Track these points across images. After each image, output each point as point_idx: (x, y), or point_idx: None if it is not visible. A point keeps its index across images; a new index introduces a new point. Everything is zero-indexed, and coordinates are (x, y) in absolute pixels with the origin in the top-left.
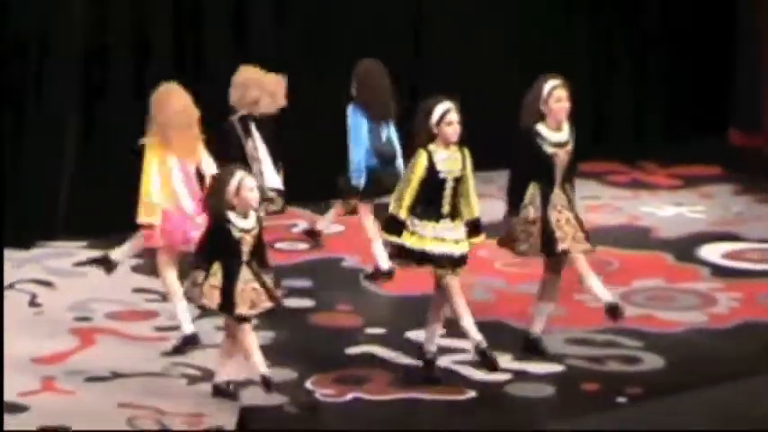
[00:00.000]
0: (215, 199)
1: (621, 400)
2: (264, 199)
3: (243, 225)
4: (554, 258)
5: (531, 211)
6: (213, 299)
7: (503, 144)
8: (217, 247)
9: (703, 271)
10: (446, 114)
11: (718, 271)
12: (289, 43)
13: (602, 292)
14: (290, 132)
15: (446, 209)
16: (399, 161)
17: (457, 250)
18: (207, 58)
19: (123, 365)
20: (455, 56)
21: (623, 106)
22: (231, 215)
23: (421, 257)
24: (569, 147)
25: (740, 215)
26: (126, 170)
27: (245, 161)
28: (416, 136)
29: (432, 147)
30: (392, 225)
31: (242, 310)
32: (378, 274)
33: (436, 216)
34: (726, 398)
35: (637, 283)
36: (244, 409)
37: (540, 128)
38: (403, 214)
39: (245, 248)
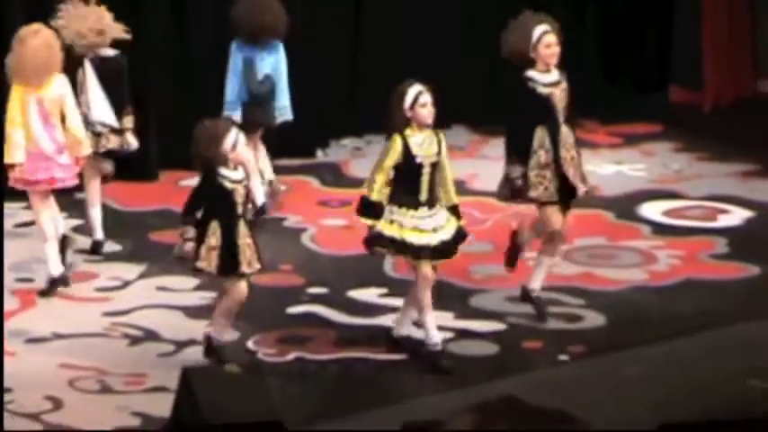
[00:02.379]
0: (208, 153)
1: (563, 357)
2: (94, 133)
3: (234, 176)
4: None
5: (543, 155)
6: (212, 262)
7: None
8: (212, 203)
9: (644, 229)
10: (419, 96)
11: (659, 229)
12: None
13: (538, 279)
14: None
15: (423, 196)
16: (283, 99)
17: (434, 239)
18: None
19: (64, 326)
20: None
21: (562, 64)
22: (221, 169)
23: (400, 246)
24: (563, 85)
25: (680, 173)
26: None
27: (74, 92)
28: (391, 121)
29: (407, 131)
30: (365, 207)
31: (245, 268)
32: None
33: (414, 204)
34: (667, 355)
35: (578, 241)
36: (186, 369)
37: (531, 73)
38: (374, 196)
39: (239, 200)
